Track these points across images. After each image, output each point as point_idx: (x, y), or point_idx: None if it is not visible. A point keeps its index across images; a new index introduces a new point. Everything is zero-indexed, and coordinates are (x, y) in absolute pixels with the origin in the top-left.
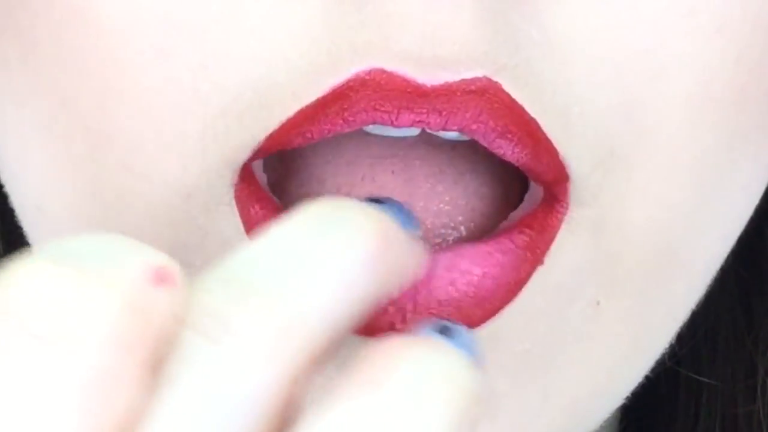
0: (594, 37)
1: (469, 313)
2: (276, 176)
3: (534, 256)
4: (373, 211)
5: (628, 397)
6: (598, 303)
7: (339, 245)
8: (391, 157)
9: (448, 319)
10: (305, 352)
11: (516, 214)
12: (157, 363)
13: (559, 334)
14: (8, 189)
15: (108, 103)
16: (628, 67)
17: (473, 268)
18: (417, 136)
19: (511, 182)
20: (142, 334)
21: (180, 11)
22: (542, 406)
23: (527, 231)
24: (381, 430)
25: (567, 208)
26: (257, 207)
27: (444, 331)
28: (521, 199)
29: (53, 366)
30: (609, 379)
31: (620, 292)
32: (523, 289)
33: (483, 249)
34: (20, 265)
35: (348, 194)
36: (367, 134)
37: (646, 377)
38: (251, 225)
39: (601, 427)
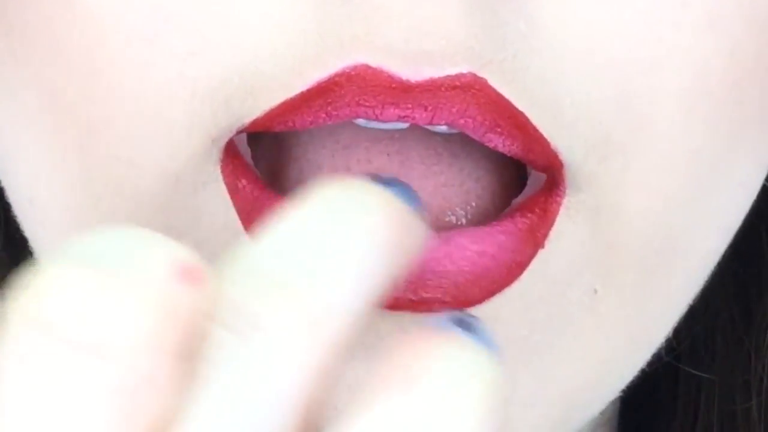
0: (583, 28)
1: (466, 290)
2: (273, 164)
3: (535, 239)
4: (382, 192)
5: (626, 392)
6: (595, 291)
7: (357, 231)
8: (387, 139)
9: (460, 311)
10: (335, 344)
11: (518, 201)
12: (188, 360)
13: (556, 322)
14: (4, 184)
15: (95, 92)
16: (620, 58)
17: (471, 244)
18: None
19: (508, 164)
20: (173, 334)
21: (169, 1)
22: (536, 395)
23: (528, 215)
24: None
25: (565, 193)
26: (244, 181)
27: (462, 324)
28: (520, 183)
29: (87, 373)
30: (604, 370)
31: (617, 281)
32: (524, 274)
33: (483, 230)
34: (45, 270)
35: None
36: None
37: (645, 372)
38: (239, 199)
39: (600, 422)
